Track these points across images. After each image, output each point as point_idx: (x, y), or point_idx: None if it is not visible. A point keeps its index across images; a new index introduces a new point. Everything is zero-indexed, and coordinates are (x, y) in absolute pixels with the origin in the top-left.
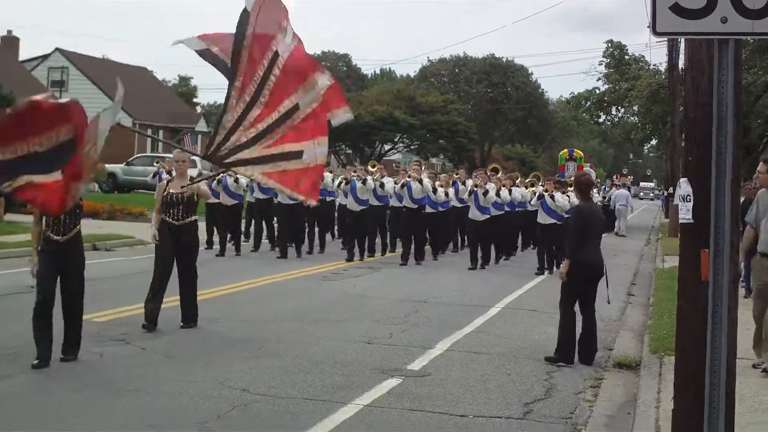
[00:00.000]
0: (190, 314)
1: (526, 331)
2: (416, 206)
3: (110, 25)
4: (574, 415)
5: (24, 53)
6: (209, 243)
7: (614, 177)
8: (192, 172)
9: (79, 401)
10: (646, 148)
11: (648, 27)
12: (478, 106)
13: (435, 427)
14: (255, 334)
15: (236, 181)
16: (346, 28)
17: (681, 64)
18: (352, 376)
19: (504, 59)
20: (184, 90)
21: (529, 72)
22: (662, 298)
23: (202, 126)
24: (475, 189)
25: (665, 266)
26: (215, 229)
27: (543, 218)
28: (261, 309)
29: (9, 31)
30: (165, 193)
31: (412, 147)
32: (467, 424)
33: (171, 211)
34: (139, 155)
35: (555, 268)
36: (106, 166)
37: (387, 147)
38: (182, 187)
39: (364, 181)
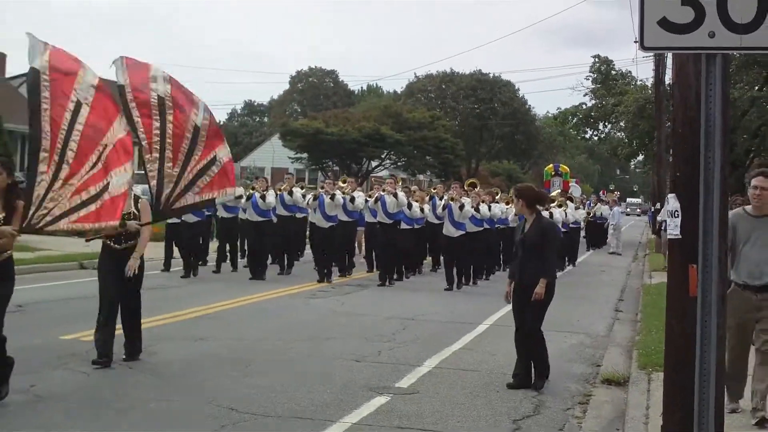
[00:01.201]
0: (134, 347)
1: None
2: (391, 221)
3: (93, 40)
4: (563, 431)
5: (11, 69)
6: (166, 265)
7: (600, 192)
8: (137, 190)
9: (67, 420)
10: (632, 163)
11: (635, 42)
12: (465, 122)
13: None
14: (243, 352)
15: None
16: (333, 45)
17: (668, 79)
18: (341, 394)
19: (491, 75)
20: None
21: (516, 88)
22: (650, 314)
23: None
24: (450, 203)
25: (653, 282)
26: (176, 249)
27: None
28: (248, 327)
29: None
30: None
31: (399, 163)
32: None
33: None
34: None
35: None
36: None
37: (374, 163)
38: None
39: (333, 197)
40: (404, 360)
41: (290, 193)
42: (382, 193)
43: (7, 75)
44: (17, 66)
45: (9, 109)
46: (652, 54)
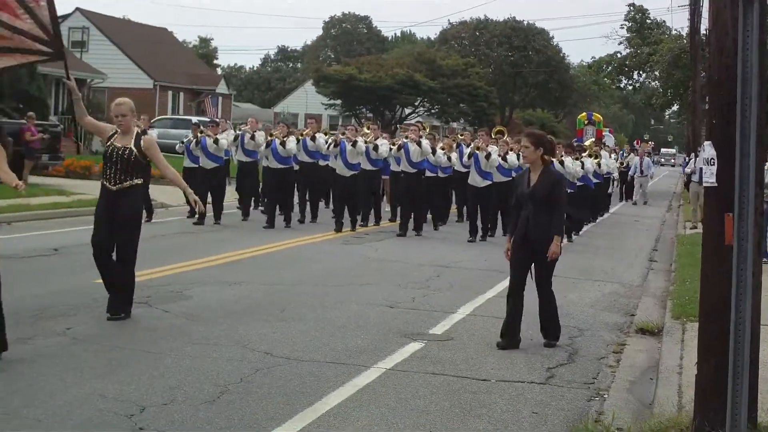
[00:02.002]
0: (119, 301)
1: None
2: (415, 170)
3: None
4: (597, 380)
5: None
6: (191, 210)
7: (635, 142)
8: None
9: (103, 363)
10: (667, 113)
11: None
12: (499, 70)
13: (457, 391)
14: (277, 297)
15: (216, 142)
16: None
17: (703, 28)
18: (375, 340)
19: (525, 22)
20: (205, 51)
21: (551, 35)
22: (684, 264)
23: (222, 88)
24: (476, 152)
25: (687, 232)
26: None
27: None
28: (282, 273)
29: None
30: (108, 145)
31: (432, 111)
32: (489, 388)
33: (109, 171)
34: (160, 117)
35: (566, 239)
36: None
37: (407, 111)
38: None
39: (355, 143)
40: (438, 307)
41: (313, 138)
42: (405, 141)
43: None
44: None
45: None
46: (688, 1)
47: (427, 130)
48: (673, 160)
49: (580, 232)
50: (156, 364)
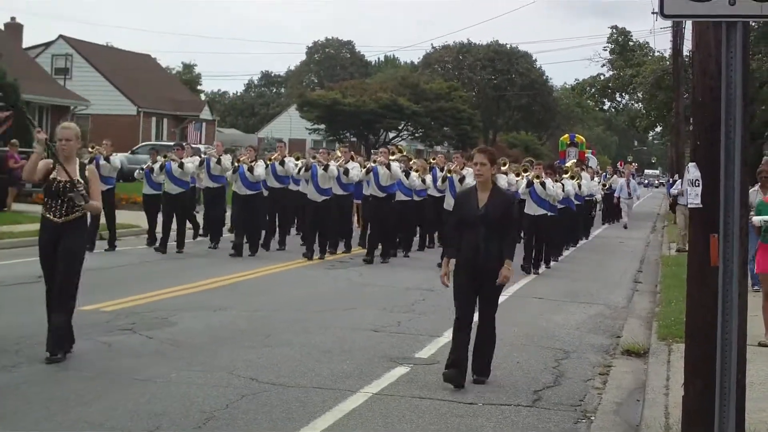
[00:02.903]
0: (58, 339)
1: (533, 318)
2: (384, 194)
3: (113, 11)
4: (584, 402)
5: (27, 40)
6: (151, 241)
7: (618, 164)
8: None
9: (88, 390)
10: (650, 135)
11: (653, 13)
12: (482, 93)
13: (444, 415)
14: (261, 323)
15: (181, 166)
16: (349, 14)
17: (686, 50)
18: (361, 364)
19: (508, 46)
20: (188, 77)
21: (534, 59)
22: (669, 285)
23: (206, 114)
24: (450, 175)
25: (671, 253)
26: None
27: (531, 209)
28: (267, 298)
29: (13, 18)
30: (50, 178)
31: (416, 135)
32: (476, 412)
33: (54, 204)
34: (143, 143)
35: (544, 265)
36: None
37: (391, 135)
38: (69, 188)
39: (327, 167)
40: (424, 330)
41: (282, 163)
42: (374, 164)
43: (24, 46)
44: (33, 37)
45: (27, 79)
46: (671, 22)
47: (404, 153)
48: (656, 181)
49: (559, 258)
50: (141, 391)
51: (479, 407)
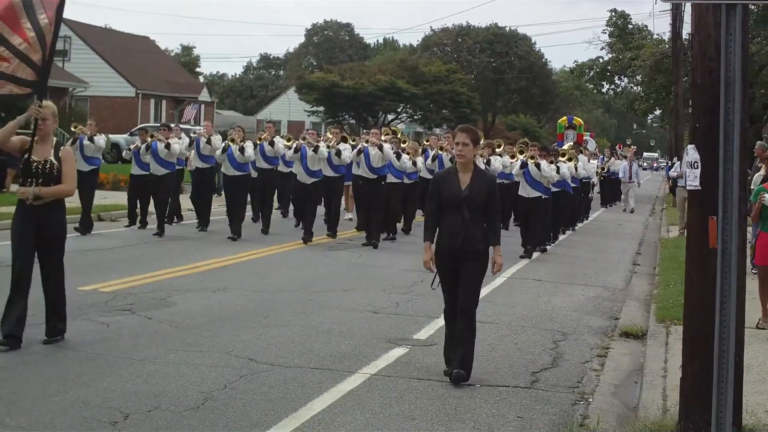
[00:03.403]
0: (56, 324)
1: (532, 300)
2: (374, 176)
3: None
4: (582, 384)
5: None
6: (130, 218)
7: (617, 147)
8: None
9: (86, 370)
10: (649, 118)
11: None
12: (481, 76)
13: (442, 396)
14: (261, 303)
15: (167, 147)
16: None
17: (685, 33)
18: (359, 345)
19: (507, 28)
20: (187, 59)
21: (533, 42)
22: (668, 267)
23: (205, 96)
24: (441, 153)
25: (670, 236)
26: (138, 202)
27: (526, 191)
28: (266, 279)
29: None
30: (25, 158)
31: (415, 117)
32: (474, 393)
33: (27, 185)
34: (142, 125)
35: (539, 249)
36: (110, 136)
37: (390, 117)
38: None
39: (316, 149)
40: (422, 312)
41: (271, 143)
42: (365, 145)
43: None
44: None
45: None
46: (670, 5)
47: (398, 134)
48: (654, 164)
49: (557, 241)
50: (140, 371)
51: (477, 388)
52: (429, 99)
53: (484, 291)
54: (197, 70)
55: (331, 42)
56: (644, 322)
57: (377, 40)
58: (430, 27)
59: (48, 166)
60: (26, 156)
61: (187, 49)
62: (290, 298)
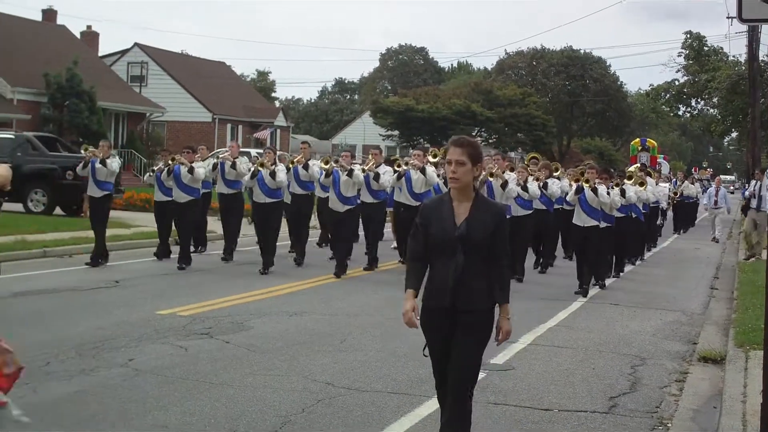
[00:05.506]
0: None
1: (609, 324)
2: (417, 203)
3: (188, 20)
4: (660, 409)
5: (103, 48)
6: (163, 252)
7: (693, 170)
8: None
9: (165, 394)
10: (726, 140)
11: (728, 18)
12: (556, 99)
13: (519, 421)
14: (337, 327)
15: (191, 171)
16: (423, 22)
17: (762, 54)
18: None
19: (582, 51)
20: (262, 84)
21: (608, 64)
22: (746, 291)
23: (281, 120)
24: (490, 179)
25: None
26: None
27: (581, 219)
28: (343, 303)
29: (89, 26)
30: None
31: (490, 141)
32: (552, 418)
33: None
34: (218, 150)
35: (598, 283)
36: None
37: None
38: None
39: (350, 173)
40: None
41: (305, 167)
42: (406, 168)
43: (100, 54)
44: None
45: (103, 87)
46: (746, 27)
47: (438, 157)
48: (731, 187)
49: (625, 272)
50: (218, 395)
51: (555, 413)
52: (504, 122)
53: (561, 315)
54: (273, 95)
55: (405, 66)
56: (723, 346)
57: (451, 64)
58: (505, 50)
59: None
60: None
61: (262, 74)
62: (366, 322)
